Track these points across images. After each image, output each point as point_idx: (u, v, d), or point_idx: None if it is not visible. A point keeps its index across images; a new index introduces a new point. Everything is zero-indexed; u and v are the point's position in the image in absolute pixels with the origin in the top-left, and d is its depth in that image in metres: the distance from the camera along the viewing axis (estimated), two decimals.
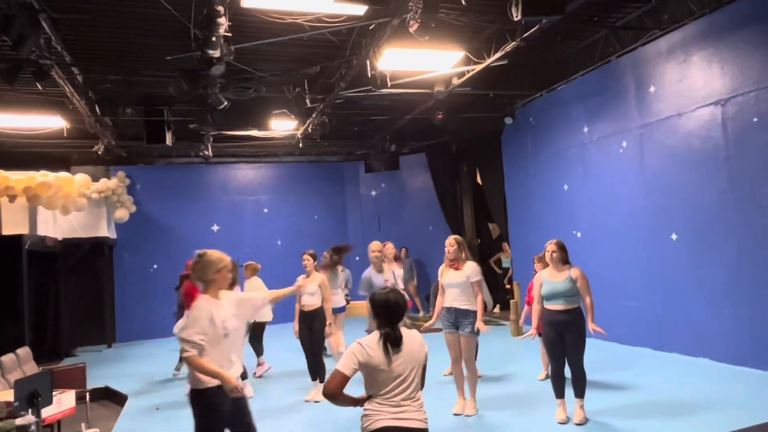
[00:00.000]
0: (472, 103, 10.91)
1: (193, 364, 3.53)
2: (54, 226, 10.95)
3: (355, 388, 3.01)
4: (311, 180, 14.55)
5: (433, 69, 8.17)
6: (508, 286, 12.04)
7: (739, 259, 6.79)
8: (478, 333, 5.75)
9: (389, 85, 7.97)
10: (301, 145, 12.03)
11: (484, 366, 7.33)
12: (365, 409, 2.99)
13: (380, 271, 7.26)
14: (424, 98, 9.83)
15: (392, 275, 6.93)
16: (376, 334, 3.01)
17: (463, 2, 6.14)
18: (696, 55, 7.26)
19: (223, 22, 5.62)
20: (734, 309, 6.85)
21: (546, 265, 5.54)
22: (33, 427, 4.71)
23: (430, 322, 5.99)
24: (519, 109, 10.98)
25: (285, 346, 9.02)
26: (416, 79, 8.35)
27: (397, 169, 14.23)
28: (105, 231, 11.96)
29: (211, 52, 6.10)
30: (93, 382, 7.57)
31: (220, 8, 5.43)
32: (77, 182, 11.20)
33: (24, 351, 7.23)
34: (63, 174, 10.71)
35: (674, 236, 7.65)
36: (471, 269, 5.68)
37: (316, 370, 6.73)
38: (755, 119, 6.54)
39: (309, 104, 9.14)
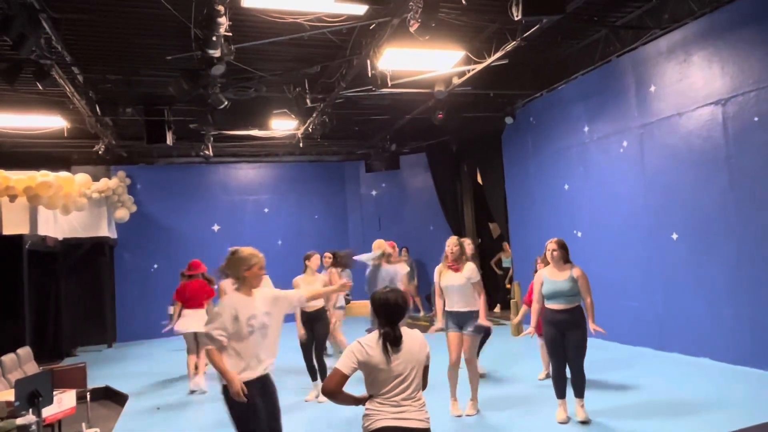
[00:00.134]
0: (473, 103, 10.90)
1: (209, 357, 3.61)
2: (54, 226, 10.95)
3: (358, 388, 3.01)
4: (312, 180, 14.55)
5: (434, 69, 8.17)
6: (508, 286, 12.04)
7: (739, 258, 6.79)
8: (482, 331, 5.74)
9: (389, 85, 7.98)
10: (301, 144, 12.03)
11: (484, 365, 7.32)
12: (366, 409, 2.99)
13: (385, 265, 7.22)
14: (424, 98, 9.83)
15: (390, 271, 6.86)
16: (376, 333, 3.01)
17: (464, 2, 6.14)
18: (696, 55, 7.25)
19: (224, 21, 5.62)
20: (734, 309, 6.85)
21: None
22: (34, 427, 4.71)
23: (437, 326, 5.89)
24: (519, 108, 10.98)
25: (285, 346, 9.00)
26: (417, 78, 8.35)
27: (397, 169, 14.23)
28: (105, 231, 11.96)
29: (211, 51, 6.10)
30: (93, 381, 7.58)
31: (221, 8, 5.43)
32: (78, 182, 11.20)
33: (24, 351, 7.23)
34: (63, 174, 10.71)
35: (675, 236, 7.65)
36: (470, 270, 5.64)
37: (319, 370, 6.73)
38: (756, 119, 6.54)
39: (309, 104, 9.14)
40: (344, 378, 2.94)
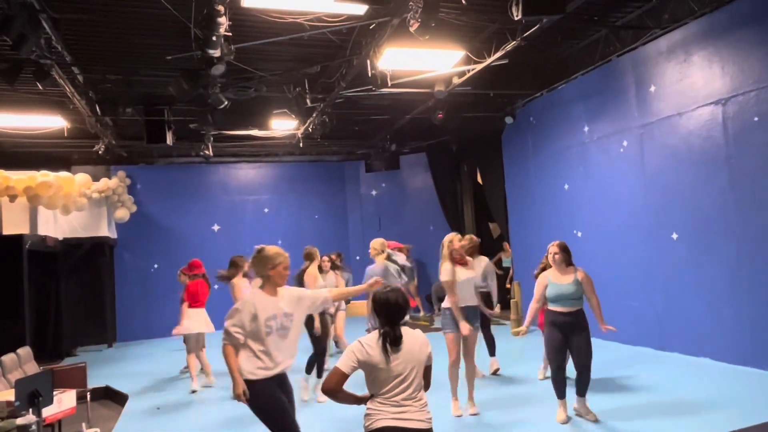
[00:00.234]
0: (473, 103, 10.90)
1: (223, 353, 3.63)
2: (54, 226, 10.95)
3: (361, 388, 3.02)
4: (312, 179, 14.55)
5: (434, 68, 8.17)
6: (508, 286, 12.03)
7: (739, 258, 6.78)
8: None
9: (389, 85, 7.98)
10: (301, 144, 12.03)
11: (484, 365, 7.33)
12: (367, 408, 3.00)
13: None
14: (424, 98, 9.83)
15: (386, 268, 6.84)
16: (376, 332, 3.01)
17: (464, 2, 6.14)
18: (696, 55, 7.25)
19: (224, 21, 5.62)
20: (734, 309, 6.85)
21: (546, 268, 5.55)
22: (34, 427, 4.71)
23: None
24: (519, 108, 10.98)
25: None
26: (417, 78, 8.35)
27: (397, 169, 14.23)
28: (105, 231, 11.96)
29: (211, 51, 6.10)
30: (94, 381, 7.58)
31: (221, 8, 5.43)
32: (78, 182, 11.21)
33: (25, 351, 7.23)
34: (63, 174, 10.72)
35: (675, 236, 7.65)
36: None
37: (318, 368, 6.75)
38: (756, 119, 6.54)
39: (309, 104, 9.14)
40: (344, 377, 2.95)
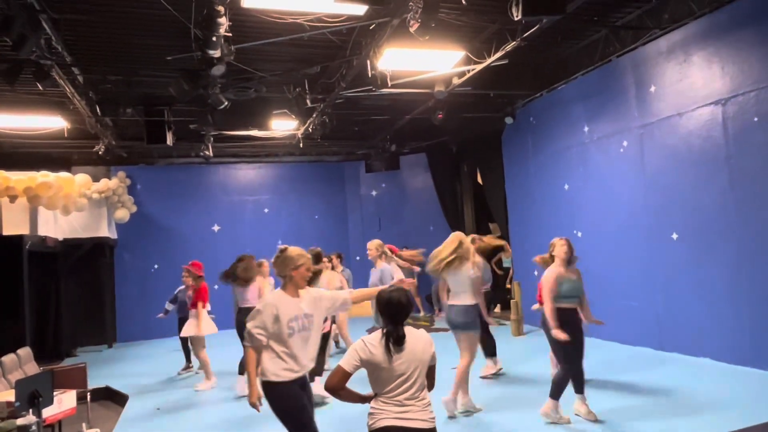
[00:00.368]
0: (473, 103, 10.90)
1: (245, 356, 3.66)
2: (55, 227, 10.95)
3: (364, 387, 3.02)
4: (312, 180, 14.55)
5: (434, 69, 8.17)
6: (508, 286, 12.04)
7: (739, 258, 6.79)
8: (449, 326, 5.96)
9: (389, 85, 7.98)
10: (301, 145, 12.03)
11: (483, 365, 7.33)
12: (371, 407, 3.01)
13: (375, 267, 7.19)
14: (424, 98, 9.83)
15: (377, 273, 6.81)
16: (380, 331, 3.02)
17: (464, 2, 6.15)
18: (696, 55, 7.26)
19: (224, 22, 5.63)
20: (734, 309, 6.85)
21: (546, 263, 5.53)
22: (34, 427, 4.72)
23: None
24: (519, 108, 10.98)
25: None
26: (416, 78, 8.35)
27: (397, 169, 14.22)
28: (105, 231, 11.96)
29: (211, 52, 6.10)
30: (94, 382, 7.59)
31: (221, 8, 5.44)
32: (78, 182, 11.21)
33: (25, 351, 7.24)
34: (63, 174, 10.71)
35: (675, 236, 7.65)
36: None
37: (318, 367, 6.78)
38: (756, 119, 6.54)
39: (309, 104, 9.15)
40: (346, 375, 2.97)
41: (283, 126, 10.76)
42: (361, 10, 6.15)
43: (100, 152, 10.96)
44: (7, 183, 9.40)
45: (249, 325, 3.62)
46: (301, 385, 3.74)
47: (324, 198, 14.61)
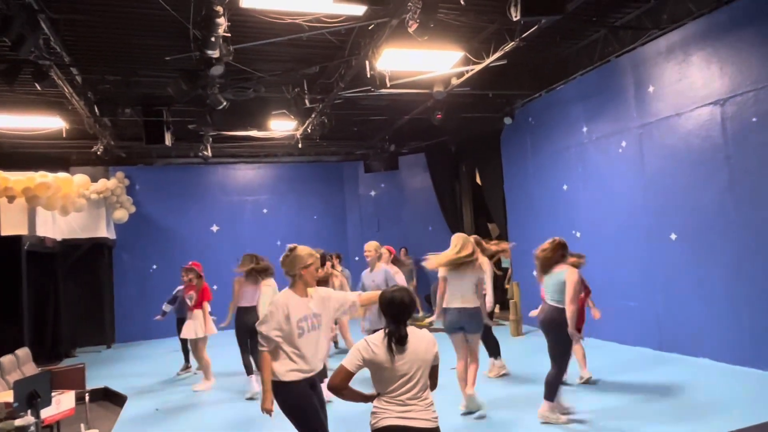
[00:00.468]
0: (472, 103, 10.90)
1: (262, 360, 3.59)
2: (53, 227, 10.94)
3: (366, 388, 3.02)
4: (310, 180, 14.54)
5: (432, 69, 8.17)
6: (507, 287, 12.04)
7: (738, 258, 6.79)
8: (446, 330, 5.94)
9: (388, 86, 7.97)
10: (300, 145, 12.02)
11: (483, 365, 7.31)
12: (374, 407, 3.02)
13: (372, 269, 7.12)
14: (423, 98, 9.83)
15: (381, 274, 6.78)
16: (383, 331, 3.02)
17: (462, 2, 6.15)
18: (695, 55, 7.26)
19: (222, 22, 5.62)
20: (734, 309, 6.85)
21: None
22: (32, 428, 4.71)
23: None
24: (518, 109, 10.98)
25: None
26: (415, 79, 8.35)
27: (396, 170, 14.22)
28: (104, 232, 11.95)
29: (210, 52, 6.09)
30: (92, 382, 7.57)
31: (219, 8, 5.43)
32: (76, 183, 11.19)
33: (23, 352, 7.22)
34: (62, 174, 10.70)
35: (674, 236, 7.65)
36: None
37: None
38: (754, 119, 6.55)
39: (308, 104, 9.14)
40: (349, 375, 2.98)
41: (281, 126, 10.75)
42: (360, 10, 6.15)
43: (98, 152, 10.94)
44: (5, 183, 9.38)
45: (264, 328, 3.58)
46: (311, 385, 3.73)
47: (323, 198, 14.60)
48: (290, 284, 3.77)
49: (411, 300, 3.09)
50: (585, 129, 9.30)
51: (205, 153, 11.36)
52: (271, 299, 7.83)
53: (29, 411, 4.79)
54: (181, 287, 8.79)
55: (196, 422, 6.38)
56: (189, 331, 7.76)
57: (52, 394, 5.39)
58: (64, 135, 10.31)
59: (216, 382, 7.85)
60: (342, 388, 3.00)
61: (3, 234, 9.39)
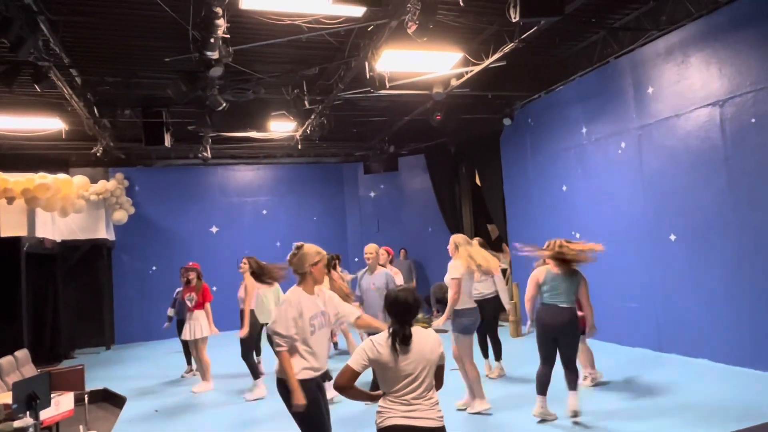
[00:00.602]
0: (471, 105, 10.91)
1: (282, 360, 3.55)
2: (52, 228, 10.94)
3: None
4: (310, 181, 14.55)
5: (432, 70, 8.18)
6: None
7: (737, 259, 6.79)
8: (466, 330, 5.83)
9: (388, 87, 7.98)
10: (299, 146, 12.02)
11: (484, 365, 7.33)
12: (379, 406, 3.03)
13: (372, 272, 7.09)
14: (422, 99, 9.84)
15: (382, 277, 6.76)
16: (387, 331, 3.03)
17: (462, 3, 6.14)
18: (694, 57, 7.27)
19: (222, 23, 5.62)
20: (733, 310, 6.85)
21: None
22: (31, 430, 4.70)
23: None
24: (518, 110, 10.99)
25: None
26: (415, 80, 8.35)
27: (396, 171, 14.23)
28: (104, 233, 11.95)
29: (209, 53, 6.10)
30: (91, 384, 7.58)
31: (219, 10, 5.43)
32: (76, 184, 11.19)
33: (22, 353, 7.22)
34: (61, 176, 10.70)
35: (673, 237, 7.65)
36: (450, 267, 5.83)
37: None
38: (753, 120, 6.55)
39: (308, 105, 9.14)
40: (355, 374, 2.99)
41: (281, 127, 10.76)
42: (359, 11, 6.15)
43: (98, 154, 10.94)
44: (5, 184, 9.38)
45: (282, 328, 3.55)
46: (318, 384, 3.74)
47: (322, 199, 14.61)
48: (298, 282, 3.76)
49: (415, 300, 3.09)
50: (584, 130, 9.31)
51: (205, 154, 11.36)
52: (275, 299, 7.86)
53: (28, 412, 4.78)
54: (179, 289, 8.79)
55: (196, 424, 6.38)
56: (189, 332, 7.76)
57: (52, 395, 5.38)
58: (63, 136, 10.31)
59: (215, 384, 7.84)
60: (348, 387, 3.02)
61: (2, 235, 9.40)
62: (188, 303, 7.80)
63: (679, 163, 7.55)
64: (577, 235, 9.35)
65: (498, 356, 7.44)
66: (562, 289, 5.41)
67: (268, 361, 8.27)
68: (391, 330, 2.99)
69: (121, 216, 12.17)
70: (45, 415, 5.21)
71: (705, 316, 7.22)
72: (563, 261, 5.38)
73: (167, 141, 9.34)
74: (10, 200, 9.42)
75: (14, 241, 9.44)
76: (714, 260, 7.08)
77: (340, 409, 6.11)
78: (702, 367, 7.04)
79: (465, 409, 5.92)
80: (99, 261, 12.42)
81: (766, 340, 6.48)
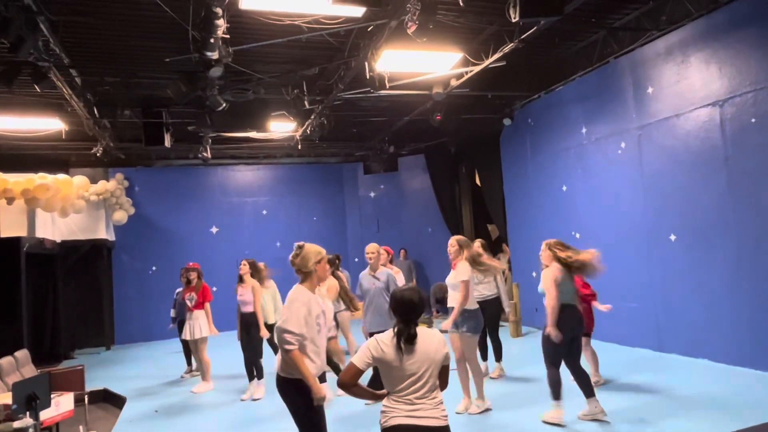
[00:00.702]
0: (471, 105, 10.91)
1: (294, 359, 3.49)
2: (52, 228, 10.94)
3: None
4: (310, 181, 14.55)
5: (432, 70, 8.18)
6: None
7: (737, 259, 6.79)
8: (478, 331, 5.82)
9: (388, 87, 7.99)
10: (299, 146, 12.03)
11: (482, 366, 7.32)
12: (383, 406, 3.03)
13: (373, 272, 7.08)
14: (422, 99, 9.84)
15: (383, 277, 6.76)
16: (392, 330, 3.03)
17: (461, 3, 6.15)
18: (694, 56, 7.27)
19: (222, 23, 5.63)
20: (733, 310, 6.85)
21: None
22: (31, 430, 4.70)
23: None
24: (517, 110, 10.99)
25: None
26: (415, 80, 8.36)
27: (395, 171, 14.24)
28: (103, 233, 11.94)
29: (209, 53, 6.10)
30: (91, 384, 7.58)
31: (219, 10, 5.44)
32: (76, 184, 11.19)
33: (22, 353, 7.22)
34: (61, 176, 10.70)
35: (673, 237, 7.65)
36: (459, 269, 5.78)
37: (335, 371, 6.77)
38: (753, 120, 6.55)
39: (307, 106, 9.15)
40: (358, 372, 3.00)
41: (281, 127, 10.76)
42: (359, 12, 6.15)
43: (98, 154, 10.94)
44: (4, 185, 9.38)
45: (294, 326, 3.52)
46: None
47: (322, 199, 14.61)
48: (301, 281, 3.75)
49: (421, 299, 3.09)
50: (584, 130, 9.31)
51: (205, 154, 11.37)
52: (272, 299, 7.86)
53: (28, 413, 4.79)
54: (179, 290, 8.79)
55: (196, 424, 6.38)
56: (189, 332, 7.76)
57: (51, 395, 5.39)
58: (63, 136, 10.32)
59: (215, 384, 7.84)
60: (352, 384, 3.03)
61: (2, 235, 9.40)
62: (188, 303, 7.80)
63: (679, 163, 7.55)
64: (577, 236, 9.36)
65: (498, 357, 7.45)
66: (573, 289, 5.41)
67: (266, 360, 8.27)
68: (396, 329, 2.99)
69: (121, 216, 12.18)
70: (45, 415, 5.21)
71: (705, 316, 7.22)
72: (568, 266, 5.36)
73: (167, 141, 9.35)
74: (10, 200, 9.42)
75: (14, 242, 9.44)
76: (714, 260, 7.08)
77: (341, 408, 6.12)
78: (702, 367, 7.03)
79: (464, 412, 5.88)
80: (99, 261, 12.42)
81: (766, 340, 6.48)
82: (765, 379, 6.27)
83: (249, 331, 7.16)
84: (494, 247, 13.46)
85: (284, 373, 3.60)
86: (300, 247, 3.79)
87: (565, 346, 5.25)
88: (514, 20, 5.75)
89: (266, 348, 7.67)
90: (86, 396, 6.58)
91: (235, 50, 6.60)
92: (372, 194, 14.92)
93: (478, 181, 13.48)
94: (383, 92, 8.14)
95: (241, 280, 7.32)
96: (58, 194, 10.16)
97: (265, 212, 14.15)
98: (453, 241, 5.96)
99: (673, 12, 7.36)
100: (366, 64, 7.44)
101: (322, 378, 6.54)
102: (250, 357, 7.20)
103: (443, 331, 5.61)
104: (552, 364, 5.32)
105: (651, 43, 7.85)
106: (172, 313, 9.31)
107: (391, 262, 7.61)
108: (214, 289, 8.63)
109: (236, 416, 6.46)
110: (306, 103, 9.05)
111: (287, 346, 3.50)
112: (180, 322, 8.58)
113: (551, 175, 10.17)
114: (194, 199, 13.56)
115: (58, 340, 11.24)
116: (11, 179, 9.52)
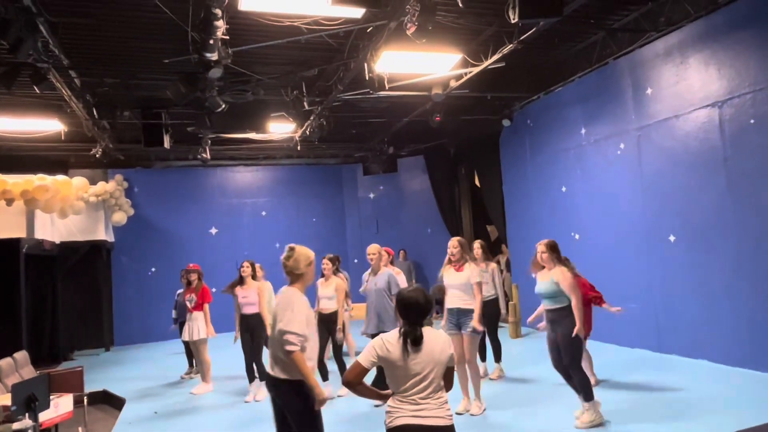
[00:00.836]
0: (470, 106, 10.92)
1: (297, 361, 3.49)
2: (52, 230, 10.93)
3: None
4: (309, 183, 14.56)
5: (431, 71, 8.18)
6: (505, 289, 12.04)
7: (737, 260, 6.79)
8: (480, 332, 5.81)
9: (387, 88, 7.98)
10: (299, 147, 12.03)
11: (481, 367, 7.33)
12: (388, 406, 3.03)
13: (375, 272, 7.08)
14: (422, 101, 9.84)
15: (385, 277, 6.74)
16: (398, 330, 3.03)
17: (461, 5, 6.15)
18: (693, 57, 7.28)
19: (221, 25, 5.62)
20: (733, 310, 6.86)
21: (539, 268, 5.56)
22: (30, 431, 4.70)
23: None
24: (517, 111, 11.00)
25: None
26: (414, 81, 8.36)
27: (395, 172, 14.24)
28: (103, 234, 11.94)
29: (208, 55, 6.10)
30: (91, 385, 7.57)
31: (218, 11, 5.43)
32: (75, 185, 11.19)
33: (21, 355, 7.22)
34: (61, 177, 10.70)
35: (672, 238, 7.66)
36: (471, 271, 5.81)
37: (341, 369, 6.76)
38: (752, 121, 6.56)
39: (307, 107, 9.15)
40: (363, 371, 3.01)
41: (280, 129, 10.77)
42: (358, 13, 6.15)
43: (97, 155, 10.93)
44: (4, 186, 9.38)
45: (299, 328, 3.52)
46: None
47: (322, 201, 14.61)
48: (292, 282, 3.74)
49: (427, 300, 3.09)
50: (583, 131, 9.31)
51: (204, 155, 11.36)
52: (268, 300, 7.85)
53: (27, 414, 4.78)
54: (180, 291, 8.78)
55: (195, 425, 6.37)
56: (188, 333, 7.75)
57: (51, 397, 5.37)
58: (62, 138, 10.30)
59: (215, 385, 7.83)
60: (356, 383, 3.03)
61: (1, 237, 9.39)
62: (188, 304, 7.80)
63: (678, 164, 7.55)
64: (577, 237, 9.37)
65: (498, 357, 7.45)
66: None
67: (266, 360, 8.27)
68: (402, 331, 2.99)
69: (120, 217, 12.17)
70: (44, 416, 5.20)
71: (705, 316, 7.22)
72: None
73: (166, 142, 9.35)
74: (9, 202, 9.41)
75: (13, 243, 9.44)
76: (713, 261, 7.08)
77: (346, 409, 6.12)
78: (702, 367, 7.04)
79: (464, 413, 5.89)
80: (98, 262, 12.42)
81: (766, 340, 6.48)
82: (765, 379, 6.28)
83: (253, 332, 7.15)
84: (493, 248, 13.48)
85: (282, 374, 3.59)
86: (292, 249, 3.79)
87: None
88: (513, 21, 5.74)
89: (266, 349, 7.67)
90: (85, 397, 6.58)
91: (234, 51, 6.60)
92: (371, 195, 14.93)
93: (477, 182, 13.48)
94: (382, 93, 8.15)
95: (242, 281, 7.31)
96: (58, 195, 10.16)
97: (264, 213, 14.15)
98: (455, 242, 5.94)
99: (672, 13, 7.37)
100: (365, 65, 7.45)
101: (324, 377, 6.55)
102: (252, 358, 7.20)
103: (476, 332, 5.68)
104: (579, 366, 5.28)
105: (650, 45, 7.86)
106: (174, 314, 9.33)
107: (391, 263, 7.61)
108: (214, 290, 8.62)
109: (236, 417, 6.45)
110: (305, 104, 9.05)
111: (290, 347, 3.49)
112: (181, 324, 8.58)
113: (550, 176, 10.18)
114: (193, 200, 13.56)
115: (57, 342, 11.23)
116: (10, 180, 9.51)
